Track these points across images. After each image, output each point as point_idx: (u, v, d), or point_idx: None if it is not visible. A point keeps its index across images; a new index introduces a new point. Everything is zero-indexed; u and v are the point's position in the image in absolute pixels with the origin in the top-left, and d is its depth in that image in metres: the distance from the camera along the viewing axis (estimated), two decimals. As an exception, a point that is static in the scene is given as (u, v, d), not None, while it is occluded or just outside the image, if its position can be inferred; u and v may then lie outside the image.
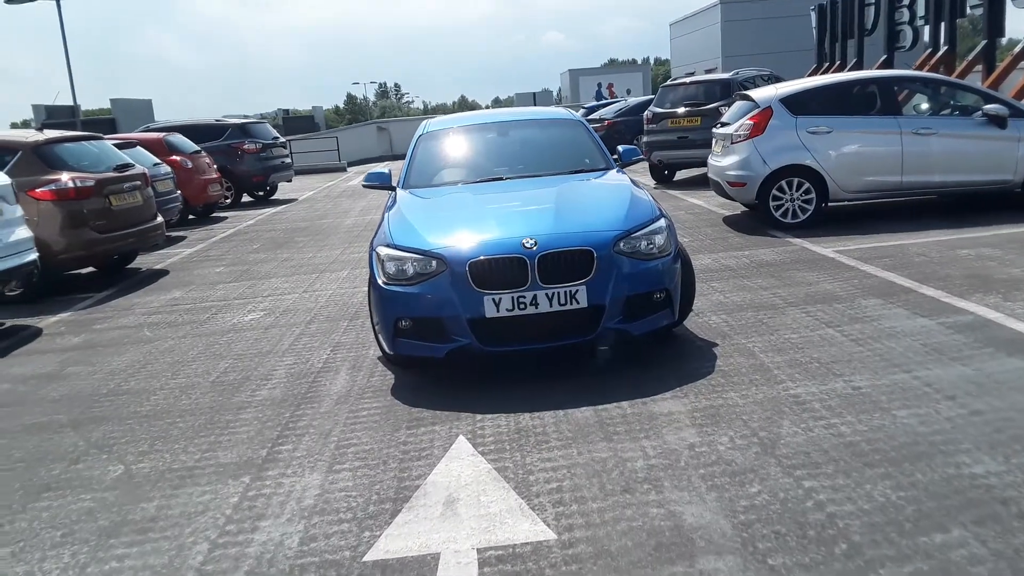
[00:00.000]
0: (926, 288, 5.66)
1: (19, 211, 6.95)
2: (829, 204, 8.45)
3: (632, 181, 5.41)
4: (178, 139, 14.60)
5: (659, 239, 4.59)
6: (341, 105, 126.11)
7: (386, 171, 5.96)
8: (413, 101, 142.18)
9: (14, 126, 32.94)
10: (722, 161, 8.91)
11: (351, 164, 28.90)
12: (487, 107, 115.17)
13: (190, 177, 14.00)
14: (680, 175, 14.43)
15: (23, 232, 6.90)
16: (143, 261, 10.25)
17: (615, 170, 5.71)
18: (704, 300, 5.88)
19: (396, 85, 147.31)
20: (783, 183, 8.34)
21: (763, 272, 6.65)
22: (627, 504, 3.04)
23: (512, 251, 4.31)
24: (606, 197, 5.06)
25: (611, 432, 3.70)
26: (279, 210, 15.64)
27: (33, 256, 6.91)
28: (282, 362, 5.31)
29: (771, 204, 8.40)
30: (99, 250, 8.52)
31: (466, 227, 4.62)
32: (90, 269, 9.71)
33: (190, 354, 5.70)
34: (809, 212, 8.35)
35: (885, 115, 8.35)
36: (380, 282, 4.54)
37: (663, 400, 4.03)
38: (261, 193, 17.76)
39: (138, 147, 12.58)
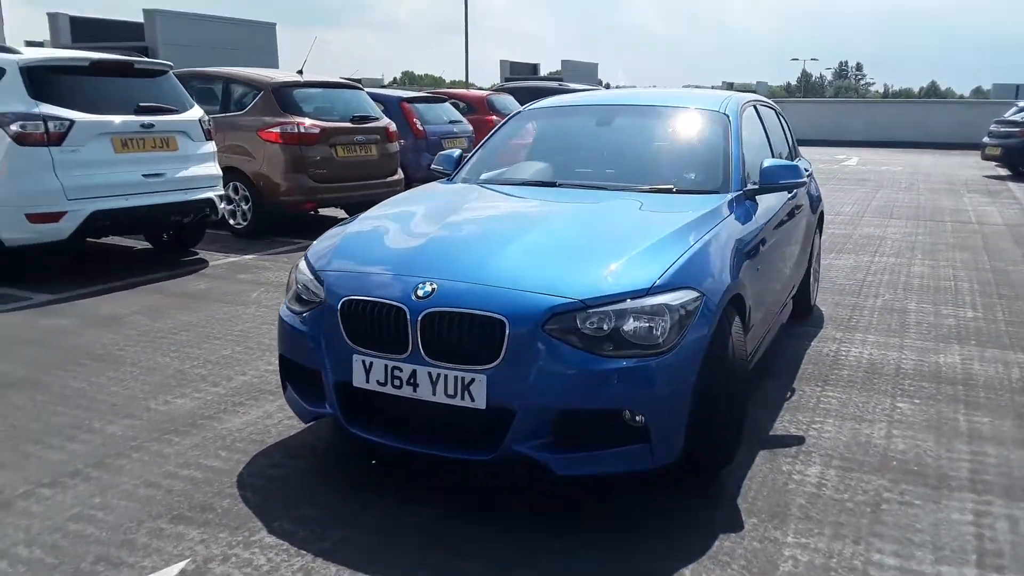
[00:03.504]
0: None
1: (206, 148, 7.03)
2: None
3: (723, 216, 3.40)
4: (503, 100, 14.43)
5: (660, 323, 2.69)
6: (793, 82, 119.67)
7: (455, 153, 4.61)
8: (873, 83, 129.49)
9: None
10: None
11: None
12: (960, 97, 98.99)
13: (503, 138, 13.74)
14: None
15: (203, 170, 6.97)
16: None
17: (730, 195, 3.65)
18: (831, 426, 3.56)
19: (858, 64, 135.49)
20: None
21: (973, 398, 3.89)
22: None
23: (395, 297, 2.83)
24: (618, 237, 3.15)
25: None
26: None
27: (208, 195, 6.97)
28: (266, 366, 4.45)
29: None
30: (318, 198, 8.52)
31: (383, 248, 3.22)
32: (343, 215, 9.95)
33: (229, 328, 5.16)
34: None
35: None
36: (284, 303, 3.39)
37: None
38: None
39: (446, 103, 12.61)
